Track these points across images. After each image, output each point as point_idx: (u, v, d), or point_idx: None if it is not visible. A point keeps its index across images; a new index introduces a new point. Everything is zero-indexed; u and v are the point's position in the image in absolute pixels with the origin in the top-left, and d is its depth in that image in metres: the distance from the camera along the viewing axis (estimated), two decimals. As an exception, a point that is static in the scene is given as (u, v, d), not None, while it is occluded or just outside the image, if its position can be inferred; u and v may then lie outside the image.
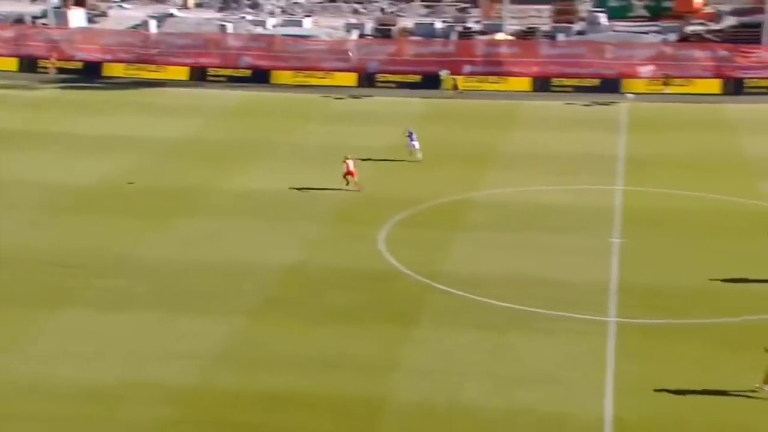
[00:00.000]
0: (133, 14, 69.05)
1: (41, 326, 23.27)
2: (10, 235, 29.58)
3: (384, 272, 27.02)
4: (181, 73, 58.19)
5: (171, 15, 68.51)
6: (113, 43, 60.10)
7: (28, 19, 66.56)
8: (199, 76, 57.72)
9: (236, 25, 65.95)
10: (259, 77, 57.07)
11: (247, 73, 57.60)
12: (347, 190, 34.15)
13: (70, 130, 44.08)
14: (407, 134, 39.00)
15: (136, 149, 40.65)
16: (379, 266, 27.48)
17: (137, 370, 21.45)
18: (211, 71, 57.92)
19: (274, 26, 65.51)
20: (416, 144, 38.60)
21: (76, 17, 65.18)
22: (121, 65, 58.77)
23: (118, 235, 29.77)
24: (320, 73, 56.70)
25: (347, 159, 34.79)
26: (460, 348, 22.65)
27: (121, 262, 27.54)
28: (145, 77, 57.76)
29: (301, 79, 56.59)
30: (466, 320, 24.06)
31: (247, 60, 58.88)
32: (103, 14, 69.36)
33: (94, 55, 59.94)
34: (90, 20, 67.28)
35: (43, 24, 64.00)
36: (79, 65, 59.10)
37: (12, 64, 59.18)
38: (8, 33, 61.13)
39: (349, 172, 34.50)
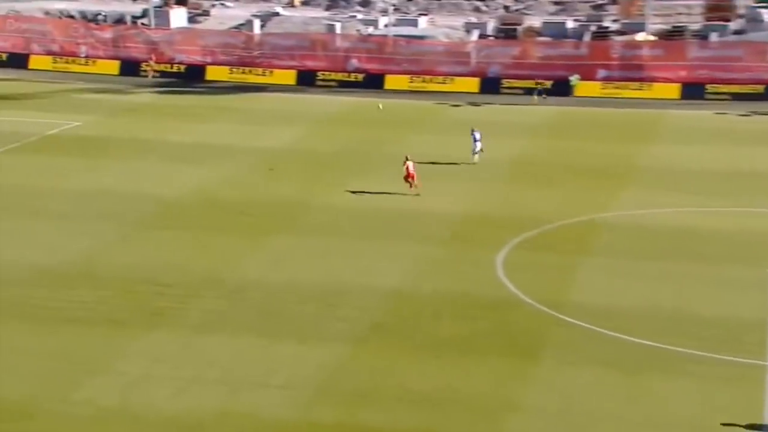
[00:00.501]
0: (236, 13, 71.42)
1: (131, 348, 24.23)
2: (100, 249, 31.04)
3: (502, 300, 26.87)
4: (288, 77, 59.58)
5: (276, 14, 70.49)
6: (214, 45, 62.40)
7: (129, 19, 69.84)
8: (308, 80, 58.99)
9: (345, 24, 67.22)
10: (373, 82, 57.87)
11: (359, 77, 58.57)
12: (408, 194, 35.58)
13: (167, 137, 45.91)
14: (471, 134, 39.98)
15: (235, 159, 41.93)
16: (497, 293, 27.35)
17: (230, 398, 22.02)
18: (321, 75, 59.10)
19: (386, 26, 66.47)
20: (479, 145, 39.55)
21: (177, 17, 67.99)
22: (223, 68, 60.82)
23: (212, 252, 30.74)
24: (439, 78, 57.02)
25: (408, 160, 36.01)
26: (586, 388, 22.24)
27: (216, 282, 28.42)
28: (248, 81, 59.58)
29: (417, 84, 57.11)
30: (593, 357, 23.61)
31: (355, 63, 59.92)
32: (205, 13, 72.04)
33: (194, 58, 62.33)
34: (191, 20, 70.05)
35: (143, 24, 67.05)
36: (178, 68, 61.59)
37: (113, 67, 62.11)
38: (107, 34, 64.37)
39: (409, 175, 35.67)
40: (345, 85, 58.33)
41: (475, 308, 26.34)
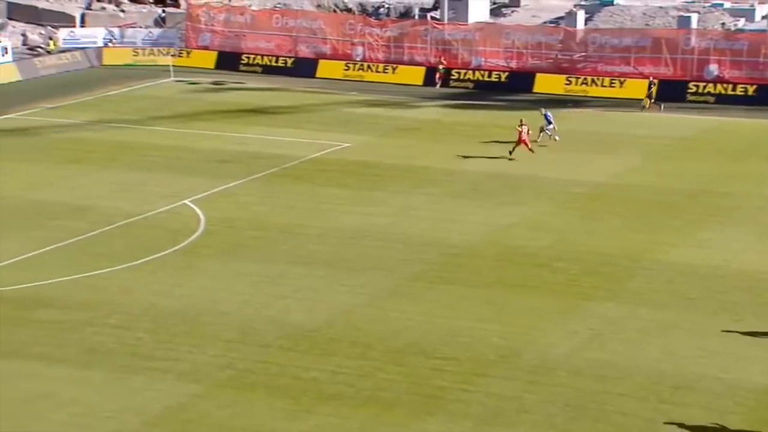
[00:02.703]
0: (556, 3, 71.96)
1: (397, 437, 24.79)
2: (364, 306, 31.93)
3: None
4: (641, 89, 58.44)
5: (609, 3, 70.12)
6: (521, 45, 63.21)
7: (416, 12, 72.54)
8: (673, 93, 57.50)
9: (704, 16, 65.44)
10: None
11: (750, 91, 56.62)
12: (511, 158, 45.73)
13: (454, 165, 46.89)
14: (543, 114, 49.47)
15: (540, 196, 42.11)
16: None
17: None
18: (692, 88, 57.93)
19: (765, 17, 64.05)
20: (550, 129, 49.06)
21: (478, 9, 69.64)
22: (555, 78, 61.17)
23: (507, 317, 30.82)
24: None
25: (523, 124, 45.86)
26: None
27: (511, 357, 28.35)
28: (588, 94, 59.61)
29: None
30: None
31: (715, 70, 58.28)
32: (514, 4, 73.31)
33: (493, 61, 63.52)
34: (495, 12, 71.54)
35: (433, 18, 69.39)
36: (475, 75, 63.00)
37: (416, 75, 64.25)
38: (388, 32, 67.18)
39: (520, 140, 45.44)
40: (723, 101, 56.84)
41: None
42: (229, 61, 69.61)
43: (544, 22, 68.94)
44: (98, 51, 71.36)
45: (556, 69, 61.61)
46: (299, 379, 27.39)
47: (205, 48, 71.11)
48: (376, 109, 58.61)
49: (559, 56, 62.37)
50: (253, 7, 73.90)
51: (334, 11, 74.61)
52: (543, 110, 50.15)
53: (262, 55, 69.02)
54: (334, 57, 67.60)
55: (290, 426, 25.13)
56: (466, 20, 67.82)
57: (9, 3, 75.17)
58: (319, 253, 36.39)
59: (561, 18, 68.52)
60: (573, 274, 34.12)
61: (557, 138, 49.38)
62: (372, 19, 70.26)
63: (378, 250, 36.51)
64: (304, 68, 67.21)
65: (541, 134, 49.14)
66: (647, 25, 65.96)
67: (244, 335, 29.89)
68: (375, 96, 61.39)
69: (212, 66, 69.67)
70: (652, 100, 56.25)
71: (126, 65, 69.85)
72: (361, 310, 31.66)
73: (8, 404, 26.04)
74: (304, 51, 68.72)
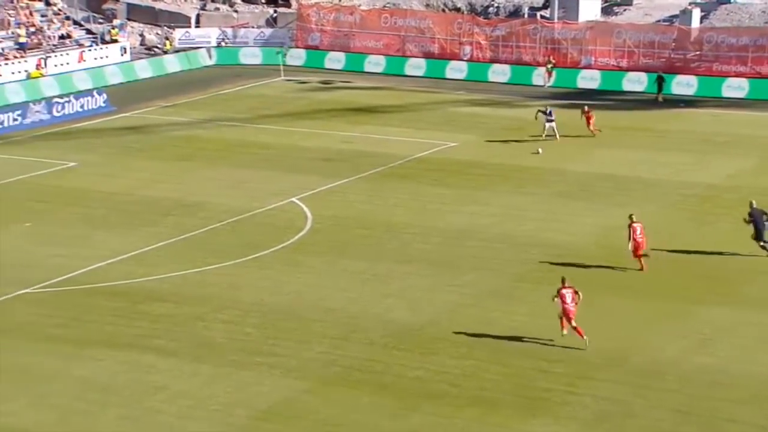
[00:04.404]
0: (671, 1, 70.72)
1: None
2: (467, 306, 31.97)
3: None
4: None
5: (726, 1, 68.58)
6: (633, 44, 62.41)
7: (525, 11, 72.14)
8: None
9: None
10: None
11: None
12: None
13: (561, 165, 46.55)
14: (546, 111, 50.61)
15: (648, 200, 41.58)
16: None
17: None
18: None
19: None
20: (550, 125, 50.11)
21: (589, 8, 68.92)
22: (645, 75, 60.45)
23: (616, 321, 30.54)
24: None
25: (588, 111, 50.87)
26: None
27: (619, 360, 28.11)
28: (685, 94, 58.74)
29: None
30: None
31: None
32: (627, 2, 72.31)
33: (604, 60, 62.82)
34: (606, 11, 70.72)
35: (543, 17, 68.93)
36: (584, 73, 62.34)
37: (531, 74, 63.88)
38: (497, 31, 66.96)
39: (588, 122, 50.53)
40: None
41: None
42: (353, 61, 69.64)
43: (657, 21, 67.85)
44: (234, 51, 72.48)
45: (669, 68, 60.68)
46: (403, 377, 27.52)
47: (315, 47, 71.57)
48: (482, 108, 58.49)
49: (672, 55, 61.45)
50: (362, 7, 74.29)
51: (443, 11, 74.52)
52: (547, 108, 51.15)
53: (384, 56, 68.98)
54: (441, 56, 67.59)
55: (394, 424, 25.28)
56: (577, 19, 67.14)
57: (128, 4, 76.79)
58: (425, 252, 36.49)
59: (675, 16, 67.34)
60: (684, 277, 33.61)
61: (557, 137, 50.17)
62: (481, 18, 70.05)
63: (483, 250, 36.47)
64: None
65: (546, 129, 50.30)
66: (767, 23, 64.43)
67: (350, 333, 30.14)
68: (482, 95, 61.28)
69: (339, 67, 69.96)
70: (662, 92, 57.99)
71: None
72: (466, 310, 31.67)
73: (123, 396, 26.70)
74: (412, 50, 68.80)
